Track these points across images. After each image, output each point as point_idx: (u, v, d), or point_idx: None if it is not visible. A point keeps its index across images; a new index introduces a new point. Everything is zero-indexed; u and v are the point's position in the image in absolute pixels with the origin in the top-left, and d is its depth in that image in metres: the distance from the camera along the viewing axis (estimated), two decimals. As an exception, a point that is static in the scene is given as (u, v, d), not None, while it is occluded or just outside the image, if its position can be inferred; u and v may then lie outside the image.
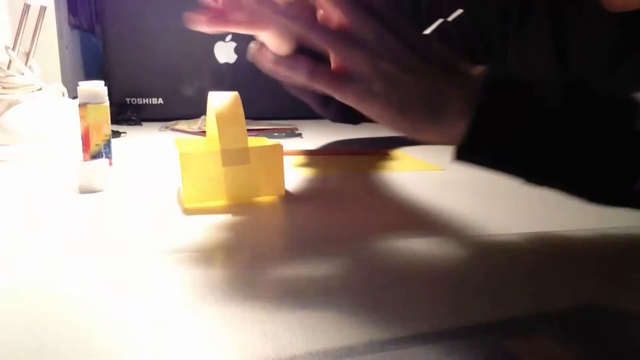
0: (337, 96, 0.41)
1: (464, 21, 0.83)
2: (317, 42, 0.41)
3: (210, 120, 0.63)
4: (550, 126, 0.39)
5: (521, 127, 0.39)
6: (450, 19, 0.84)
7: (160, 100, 1.28)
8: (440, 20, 0.84)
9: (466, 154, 0.41)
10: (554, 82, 0.41)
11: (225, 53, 1.28)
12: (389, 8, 0.40)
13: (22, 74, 0.79)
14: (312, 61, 0.41)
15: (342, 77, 0.40)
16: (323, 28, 0.41)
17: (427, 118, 0.40)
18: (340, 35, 0.40)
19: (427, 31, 0.83)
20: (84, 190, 0.58)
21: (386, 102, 0.40)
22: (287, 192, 0.58)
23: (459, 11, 0.84)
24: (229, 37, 1.27)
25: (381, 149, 0.84)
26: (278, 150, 0.56)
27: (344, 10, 0.40)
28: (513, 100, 0.40)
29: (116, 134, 1.01)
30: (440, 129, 0.41)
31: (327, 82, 0.40)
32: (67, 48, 1.39)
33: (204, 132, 0.85)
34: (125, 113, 1.22)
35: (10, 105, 0.77)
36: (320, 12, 0.43)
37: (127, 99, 1.27)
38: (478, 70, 0.41)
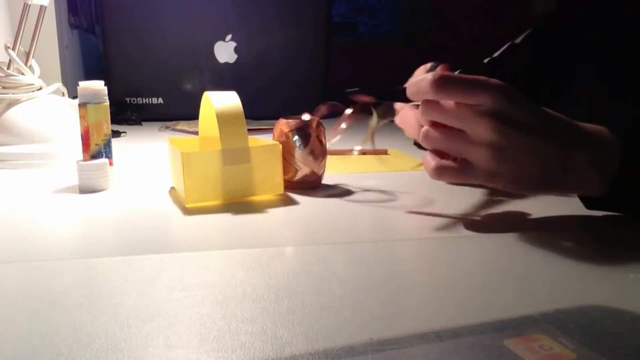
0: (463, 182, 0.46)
1: (530, 41, 0.84)
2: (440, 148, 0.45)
3: (204, 120, 0.63)
4: None
5: None
6: (517, 41, 0.85)
7: (160, 100, 1.28)
8: (509, 43, 0.85)
9: (603, 203, 0.46)
10: None
11: (225, 53, 1.28)
12: (504, 98, 0.42)
13: (22, 74, 0.79)
14: (436, 158, 0.45)
15: (466, 169, 0.44)
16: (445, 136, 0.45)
17: (550, 184, 0.44)
18: (459, 138, 0.43)
19: (496, 54, 0.85)
20: (84, 190, 0.58)
21: (509, 180, 0.43)
22: (285, 191, 0.58)
23: (527, 32, 0.86)
24: (229, 37, 1.28)
25: (381, 148, 0.84)
26: (277, 150, 0.56)
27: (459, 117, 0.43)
28: None
29: (116, 134, 1.01)
30: (566, 188, 0.45)
31: (452, 175, 0.45)
32: (67, 48, 1.39)
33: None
34: (125, 113, 1.23)
35: (10, 105, 0.77)
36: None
37: (127, 99, 1.27)
38: (596, 128, 0.44)
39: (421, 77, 0.43)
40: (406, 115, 0.61)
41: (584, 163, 0.42)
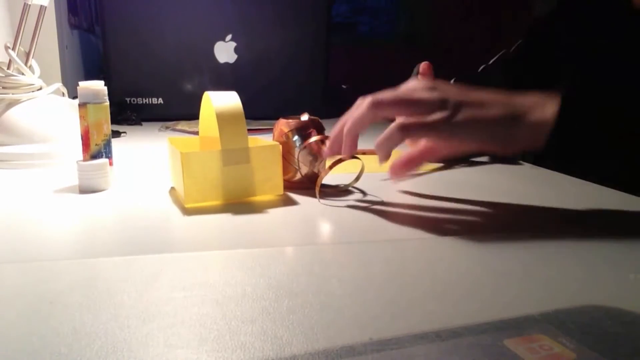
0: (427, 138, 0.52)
1: (524, 50, 0.87)
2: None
3: (205, 120, 0.63)
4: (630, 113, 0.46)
5: (602, 124, 0.47)
6: (511, 50, 0.87)
7: (160, 100, 1.28)
8: (503, 51, 0.88)
9: (550, 155, 0.50)
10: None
11: (225, 53, 1.28)
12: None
13: (22, 74, 0.79)
14: (402, 120, 0.49)
15: (427, 123, 0.48)
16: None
17: (503, 137, 0.48)
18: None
19: (490, 62, 0.88)
20: (84, 190, 0.58)
21: (465, 132, 0.48)
22: (285, 191, 0.58)
23: (519, 41, 0.88)
24: (229, 37, 1.27)
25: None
26: (277, 150, 0.56)
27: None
28: (587, 106, 0.47)
29: (116, 134, 1.01)
30: (517, 141, 0.49)
31: (416, 128, 0.48)
32: (67, 48, 1.39)
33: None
34: (125, 113, 1.23)
35: (10, 105, 0.77)
36: None
37: (127, 99, 1.27)
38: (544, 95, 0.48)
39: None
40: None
41: (529, 111, 0.47)
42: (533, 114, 0.47)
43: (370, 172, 0.70)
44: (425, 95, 0.49)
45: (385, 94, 0.49)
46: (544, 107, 0.48)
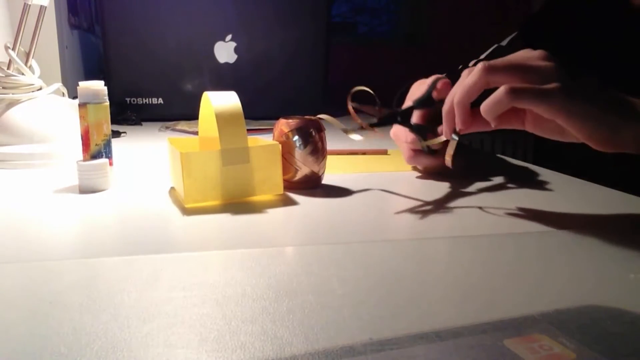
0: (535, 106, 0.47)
1: (518, 43, 0.86)
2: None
3: (204, 120, 0.63)
4: None
5: None
6: (504, 43, 0.87)
7: (160, 100, 1.28)
8: (495, 45, 0.87)
9: None
10: None
11: (225, 53, 1.28)
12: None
13: (22, 74, 0.79)
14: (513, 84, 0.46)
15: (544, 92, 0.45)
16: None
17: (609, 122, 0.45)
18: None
19: (482, 56, 0.87)
20: (84, 190, 0.58)
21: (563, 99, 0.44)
22: (285, 191, 0.58)
23: (513, 34, 0.88)
24: (229, 37, 1.27)
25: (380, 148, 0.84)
26: (276, 150, 0.56)
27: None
28: None
29: (116, 134, 1.01)
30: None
31: (528, 96, 0.45)
32: (67, 48, 1.39)
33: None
34: (125, 113, 1.22)
35: (10, 105, 0.77)
36: None
37: (127, 99, 1.27)
38: None
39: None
40: (398, 131, 0.68)
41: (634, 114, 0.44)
42: None
43: (370, 172, 0.70)
44: (541, 63, 0.46)
45: (498, 60, 0.47)
46: None
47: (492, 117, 0.46)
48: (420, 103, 0.63)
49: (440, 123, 0.54)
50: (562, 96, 0.44)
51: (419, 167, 0.68)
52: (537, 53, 0.48)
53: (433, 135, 0.62)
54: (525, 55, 0.48)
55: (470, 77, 0.48)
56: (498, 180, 0.66)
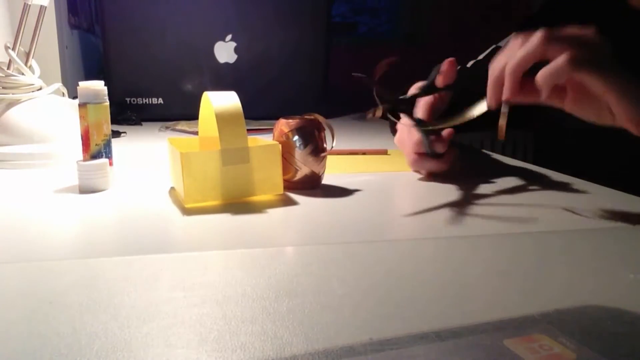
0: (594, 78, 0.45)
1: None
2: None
3: (204, 120, 0.63)
4: None
5: None
6: (501, 44, 0.86)
7: (160, 100, 1.28)
8: (493, 46, 0.87)
9: None
10: None
11: (225, 53, 1.28)
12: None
13: (22, 74, 0.79)
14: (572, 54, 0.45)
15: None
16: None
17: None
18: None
19: (481, 57, 0.86)
20: (84, 190, 0.58)
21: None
22: (285, 191, 0.58)
23: (511, 35, 0.88)
24: (229, 37, 1.27)
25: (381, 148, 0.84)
26: (276, 150, 0.56)
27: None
28: None
29: (116, 134, 1.01)
30: None
31: (590, 67, 0.44)
32: (67, 48, 1.39)
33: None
34: (125, 113, 1.22)
35: (10, 105, 0.77)
36: None
37: (127, 99, 1.27)
38: None
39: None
40: (402, 135, 0.68)
41: None
42: None
43: (370, 172, 0.70)
44: (597, 39, 0.45)
45: (557, 30, 0.46)
46: None
47: (548, 87, 0.45)
48: (425, 90, 0.62)
49: (445, 114, 0.53)
50: (619, 72, 0.43)
51: (422, 171, 0.67)
52: (592, 29, 0.46)
53: (436, 136, 0.62)
54: (580, 30, 0.46)
55: (527, 45, 0.46)
56: (498, 180, 0.66)
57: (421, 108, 0.64)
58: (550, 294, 0.33)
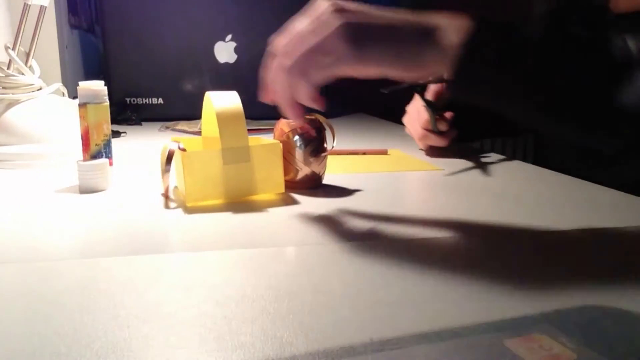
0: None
1: None
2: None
3: (206, 121, 0.63)
4: (533, 60, 0.45)
5: (506, 61, 0.45)
6: None
7: (160, 100, 1.28)
8: None
9: (458, 89, 0.46)
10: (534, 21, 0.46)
11: (225, 53, 1.28)
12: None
13: (22, 74, 0.79)
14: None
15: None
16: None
17: (412, 55, 0.44)
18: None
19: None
20: (84, 190, 0.58)
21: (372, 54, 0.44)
22: (286, 190, 0.58)
23: None
24: (229, 37, 1.27)
25: (381, 148, 0.84)
26: (277, 149, 0.56)
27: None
28: (495, 37, 0.45)
29: (116, 134, 1.01)
30: (425, 70, 0.45)
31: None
32: (67, 48, 1.39)
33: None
34: (125, 113, 1.22)
35: (10, 105, 0.77)
36: None
37: (127, 99, 1.27)
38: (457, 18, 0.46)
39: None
40: (411, 113, 0.85)
41: (438, 33, 0.44)
42: (443, 35, 0.44)
43: (370, 172, 0.70)
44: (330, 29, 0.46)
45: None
46: (455, 30, 0.44)
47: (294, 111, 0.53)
48: (435, 80, 0.75)
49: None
50: (352, 48, 0.44)
51: (426, 145, 0.83)
52: (324, 7, 0.48)
53: (440, 117, 0.79)
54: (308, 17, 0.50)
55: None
56: (497, 181, 0.66)
57: (431, 93, 0.79)
58: (550, 294, 0.33)
